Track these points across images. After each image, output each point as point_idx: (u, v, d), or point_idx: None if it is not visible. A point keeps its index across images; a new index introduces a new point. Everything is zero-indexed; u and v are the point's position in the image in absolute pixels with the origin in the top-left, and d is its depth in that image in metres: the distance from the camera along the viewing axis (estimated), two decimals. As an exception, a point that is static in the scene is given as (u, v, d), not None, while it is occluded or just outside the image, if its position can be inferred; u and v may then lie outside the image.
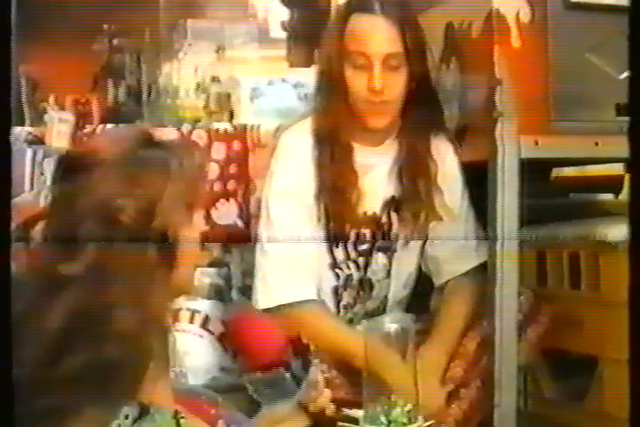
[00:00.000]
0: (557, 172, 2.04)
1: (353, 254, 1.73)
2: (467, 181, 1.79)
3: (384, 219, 1.73)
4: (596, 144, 1.69)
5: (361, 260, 1.73)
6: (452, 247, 1.75)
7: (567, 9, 1.72)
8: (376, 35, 1.62)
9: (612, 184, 1.90)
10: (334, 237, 1.69)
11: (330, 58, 1.66)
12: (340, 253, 1.71)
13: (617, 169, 2.00)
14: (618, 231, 1.60)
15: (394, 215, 1.73)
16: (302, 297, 1.62)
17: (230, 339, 1.65)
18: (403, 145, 1.71)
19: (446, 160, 1.75)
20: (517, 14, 1.71)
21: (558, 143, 1.70)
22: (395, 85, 1.63)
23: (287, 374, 1.29)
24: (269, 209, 1.66)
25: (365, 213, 1.71)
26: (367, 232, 1.73)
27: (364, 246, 1.73)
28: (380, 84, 1.61)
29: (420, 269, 1.80)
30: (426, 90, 1.69)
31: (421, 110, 1.69)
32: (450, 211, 1.72)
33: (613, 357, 1.50)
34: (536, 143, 1.69)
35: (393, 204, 1.73)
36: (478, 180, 1.75)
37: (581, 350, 1.54)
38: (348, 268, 1.73)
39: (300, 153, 1.67)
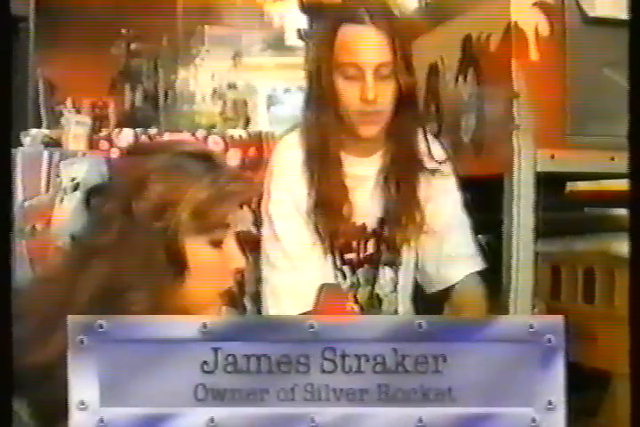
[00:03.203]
0: (572, 185, 2.04)
1: (344, 266, 1.72)
2: (467, 191, 1.77)
3: (382, 232, 1.72)
4: (612, 159, 1.69)
5: (361, 271, 1.73)
6: (440, 258, 1.73)
7: (586, 23, 1.72)
8: (367, 45, 1.61)
9: (627, 199, 1.90)
10: (326, 249, 1.69)
11: (319, 69, 1.65)
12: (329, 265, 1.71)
13: (632, 184, 1.99)
14: (633, 246, 1.60)
15: (388, 228, 1.71)
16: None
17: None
18: (388, 155, 1.71)
19: (437, 171, 1.73)
20: (536, 28, 1.71)
21: (574, 157, 1.71)
22: (386, 95, 1.62)
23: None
24: (274, 225, 1.66)
25: (356, 225, 1.70)
26: (361, 244, 1.72)
27: (351, 256, 1.72)
28: (372, 93, 1.60)
29: (415, 280, 1.79)
30: (412, 100, 1.68)
31: (407, 120, 1.68)
32: (437, 224, 1.71)
33: (627, 372, 1.50)
34: (552, 157, 1.69)
35: (385, 216, 1.71)
36: (492, 192, 1.76)
37: (594, 365, 1.53)
38: (344, 278, 1.73)
39: (292, 168, 1.67)
